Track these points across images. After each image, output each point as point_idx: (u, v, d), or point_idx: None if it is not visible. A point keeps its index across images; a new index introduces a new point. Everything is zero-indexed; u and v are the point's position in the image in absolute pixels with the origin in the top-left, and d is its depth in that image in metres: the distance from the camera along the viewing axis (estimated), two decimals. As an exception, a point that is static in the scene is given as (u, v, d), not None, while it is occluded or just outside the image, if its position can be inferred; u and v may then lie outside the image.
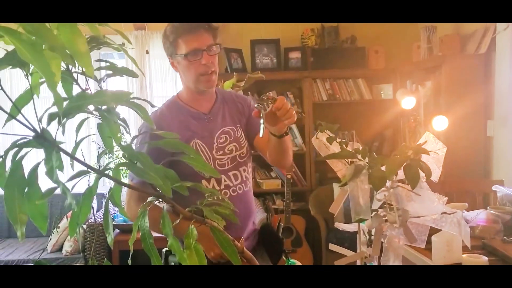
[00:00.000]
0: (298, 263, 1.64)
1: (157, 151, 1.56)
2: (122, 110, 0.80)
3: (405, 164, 0.93)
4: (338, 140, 1.08)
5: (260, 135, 1.43)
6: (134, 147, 1.55)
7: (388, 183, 0.99)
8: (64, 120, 0.73)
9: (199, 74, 1.66)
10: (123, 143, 0.79)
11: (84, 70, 0.78)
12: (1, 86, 0.72)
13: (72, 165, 0.77)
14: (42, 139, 0.71)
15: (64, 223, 3.85)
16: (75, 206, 0.74)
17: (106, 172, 0.81)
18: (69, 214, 0.83)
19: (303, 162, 4.40)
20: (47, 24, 0.65)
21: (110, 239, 0.84)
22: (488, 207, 2.12)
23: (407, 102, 3.73)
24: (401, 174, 0.98)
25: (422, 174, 0.93)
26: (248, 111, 1.83)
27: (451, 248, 1.69)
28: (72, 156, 0.75)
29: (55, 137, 0.72)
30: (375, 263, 1.18)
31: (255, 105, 1.46)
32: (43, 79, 0.67)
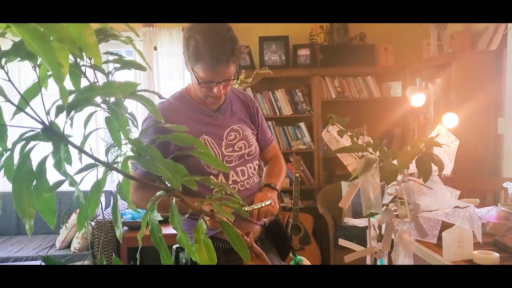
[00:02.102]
0: (305, 259, 1.63)
1: (163, 147, 1.56)
2: (130, 105, 0.79)
3: (417, 157, 0.92)
4: (349, 133, 1.07)
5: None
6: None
7: (400, 177, 0.98)
8: (72, 113, 0.72)
9: (208, 95, 1.67)
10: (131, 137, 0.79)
11: (92, 62, 0.77)
12: (9, 78, 0.71)
13: (80, 159, 0.77)
14: (50, 132, 0.71)
15: (72, 220, 3.87)
16: (82, 198, 0.74)
17: (115, 165, 0.81)
18: (78, 210, 0.82)
19: (311, 160, 4.38)
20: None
21: (119, 232, 0.84)
22: (499, 204, 2.10)
23: (417, 99, 3.70)
24: (412, 168, 0.96)
25: (434, 167, 0.92)
26: (257, 113, 1.87)
27: (462, 244, 1.67)
28: (81, 149, 0.75)
29: (63, 130, 0.72)
30: (385, 258, 1.17)
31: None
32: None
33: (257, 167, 1.81)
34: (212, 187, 0.98)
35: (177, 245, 1.64)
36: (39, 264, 1.25)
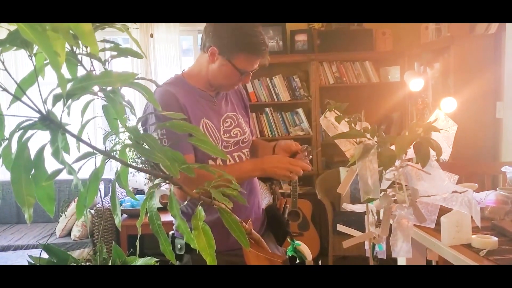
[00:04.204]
0: (302, 244, 1.64)
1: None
2: (128, 93, 0.79)
3: (415, 142, 0.92)
4: (347, 119, 1.07)
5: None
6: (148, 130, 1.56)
7: (398, 162, 0.98)
8: (69, 101, 0.72)
9: (232, 84, 1.71)
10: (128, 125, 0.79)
11: (88, 50, 0.77)
12: (5, 67, 0.71)
13: (78, 148, 0.77)
14: (47, 121, 0.71)
15: (71, 208, 3.88)
16: (81, 186, 0.74)
17: (113, 154, 0.81)
18: (77, 199, 0.83)
19: (309, 146, 4.38)
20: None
21: (118, 220, 0.84)
22: (497, 188, 2.11)
23: (415, 84, 3.70)
24: (410, 153, 0.96)
25: (432, 152, 0.92)
26: (247, 103, 1.92)
27: (460, 229, 1.68)
28: (78, 138, 0.75)
29: (61, 118, 0.71)
30: (384, 243, 1.17)
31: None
32: (48, 60, 0.67)
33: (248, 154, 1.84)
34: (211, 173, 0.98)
35: (173, 232, 1.67)
36: (39, 252, 1.26)
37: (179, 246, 1.65)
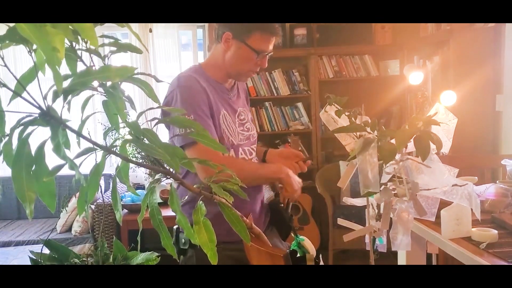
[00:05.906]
0: (306, 239, 1.64)
1: None
2: (127, 88, 0.79)
3: (415, 136, 0.92)
4: (347, 113, 1.07)
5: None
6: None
7: (398, 156, 0.98)
8: (69, 97, 0.72)
9: (249, 70, 1.71)
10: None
11: (88, 45, 0.77)
12: (4, 63, 0.71)
13: (78, 143, 0.77)
14: (48, 117, 0.71)
15: (72, 203, 3.89)
16: (83, 181, 0.74)
17: (113, 149, 0.81)
18: (78, 194, 0.83)
19: (309, 141, 4.38)
20: None
21: (118, 215, 0.84)
22: (497, 181, 2.11)
23: (415, 77, 3.69)
24: (410, 146, 0.97)
25: (432, 146, 0.92)
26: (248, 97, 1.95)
27: (460, 222, 1.68)
28: (79, 133, 0.75)
29: (61, 114, 0.71)
30: (384, 237, 1.18)
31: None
32: (47, 57, 0.66)
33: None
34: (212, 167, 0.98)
35: (177, 226, 1.67)
36: (41, 247, 1.26)
37: (183, 240, 1.66)
